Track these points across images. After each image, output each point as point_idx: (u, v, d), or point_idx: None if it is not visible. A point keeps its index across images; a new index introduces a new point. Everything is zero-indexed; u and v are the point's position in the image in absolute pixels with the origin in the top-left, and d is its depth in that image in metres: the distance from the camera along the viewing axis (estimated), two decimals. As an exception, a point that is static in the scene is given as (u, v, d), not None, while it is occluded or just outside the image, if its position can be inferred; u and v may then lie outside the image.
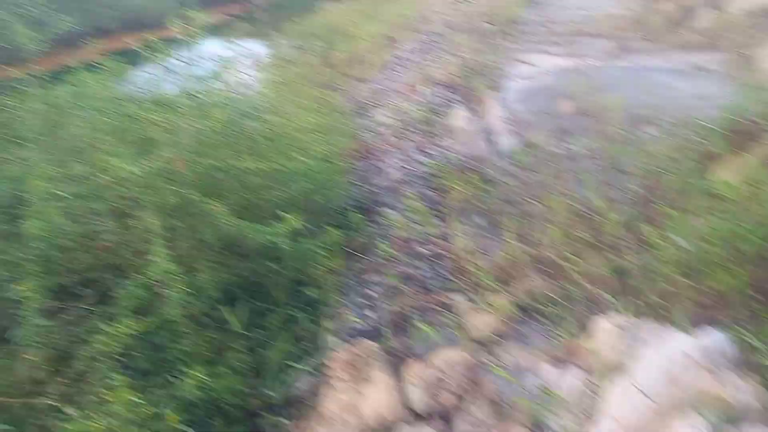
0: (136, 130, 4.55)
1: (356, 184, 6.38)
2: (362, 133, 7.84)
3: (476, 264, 4.93)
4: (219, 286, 4.30)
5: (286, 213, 4.52)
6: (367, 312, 4.52)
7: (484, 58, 10.44)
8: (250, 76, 12.46)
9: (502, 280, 4.73)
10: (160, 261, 3.77)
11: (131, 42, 17.48)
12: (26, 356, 3.19)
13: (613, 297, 4.16)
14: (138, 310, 3.91)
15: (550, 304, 4.35)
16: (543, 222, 5.24)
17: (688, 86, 8.97)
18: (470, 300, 4.65)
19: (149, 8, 19.45)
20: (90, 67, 6.26)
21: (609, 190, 5.49)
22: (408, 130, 7.31)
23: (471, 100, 8.39)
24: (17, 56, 5.55)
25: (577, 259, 4.68)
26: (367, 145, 7.32)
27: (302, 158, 4.68)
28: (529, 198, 5.81)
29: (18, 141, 4.85)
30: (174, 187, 3.99)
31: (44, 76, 5.68)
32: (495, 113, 7.41)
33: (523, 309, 4.41)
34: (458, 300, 4.66)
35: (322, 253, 4.72)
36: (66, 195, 3.70)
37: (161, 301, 3.87)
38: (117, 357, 3.51)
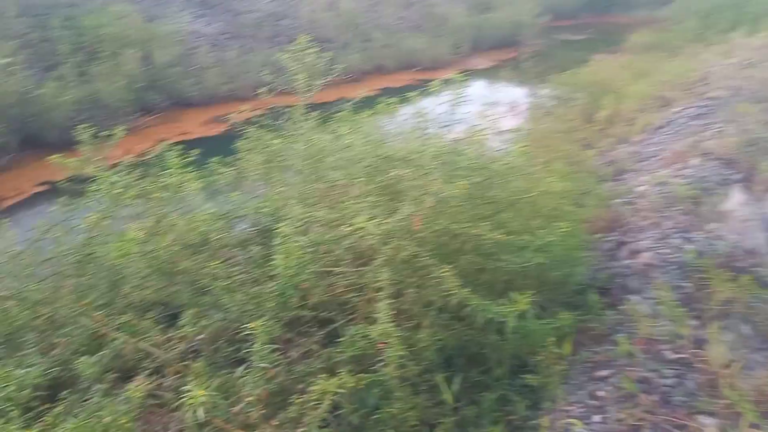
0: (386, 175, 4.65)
1: (600, 262, 5.84)
2: (614, 202, 7.22)
3: (734, 384, 4.11)
4: (438, 348, 4.16)
5: (518, 286, 4.25)
6: (593, 417, 4.00)
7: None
8: (506, 124, 12.50)
9: (765, 411, 3.87)
10: (383, 316, 3.74)
11: (404, 80, 18.68)
12: (245, 396, 3.34)
13: None
14: (357, 359, 3.93)
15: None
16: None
17: None
18: (721, 429, 3.87)
19: (424, 50, 20.68)
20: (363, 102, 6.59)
21: None
22: (669, 206, 6.52)
23: (751, 180, 7.24)
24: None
25: None
26: (618, 217, 6.70)
27: (543, 230, 4.34)
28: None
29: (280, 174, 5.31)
30: (407, 243, 3.95)
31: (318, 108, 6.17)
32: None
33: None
34: (706, 425, 3.91)
35: (551, 336, 4.33)
36: (308, 240, 3.85)
37: (380, 356, 3.84)
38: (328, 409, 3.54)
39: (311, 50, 5.27)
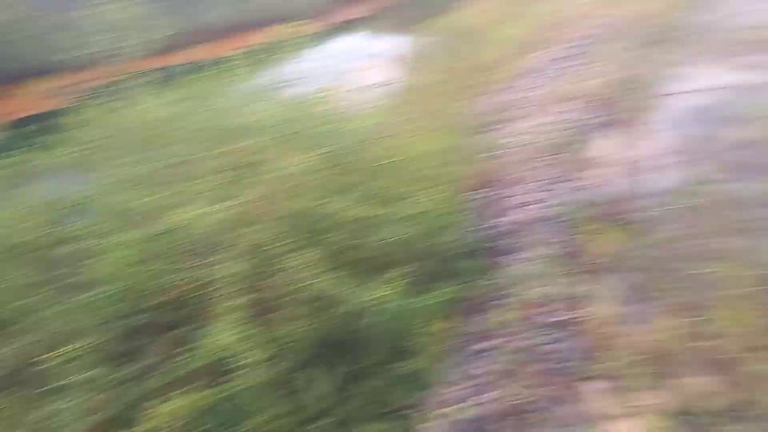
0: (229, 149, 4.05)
1: (476, 223, 5.57)
2: (486, 156, 6.97)
3: (622, 343, 3.95)
4: (304, 344, 3.69)
5: (388, 262, 3.86)
6: (472, 398, 3.72)
7: (640, 70, 9.14)
8: (374, 78, 11.98)
9: (655, 372, 3.73)
10: (232, 317, 3.21)
11: (271, 36, 17.51)
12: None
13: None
14: (210, 368, 3.41)
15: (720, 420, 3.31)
16: (712, 293, 4.14)
17: None
18: (611, 393, 3.70)
19: (295, 2, 19.46)
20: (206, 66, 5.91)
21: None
22: (542, 156, 6.35)
23: (621, 123, 7.24)
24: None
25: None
26: (490, 172, 6.46)
27: (410, 199, 3.94)
28: (694, 257, 4.70)
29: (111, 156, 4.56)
30: (254, 229, 3.41)
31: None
32: (650, 141, 6.26)
33: (683, 416, 3.41)
34: (595, 392, 3.72)
35: (427, 313, 3.99)
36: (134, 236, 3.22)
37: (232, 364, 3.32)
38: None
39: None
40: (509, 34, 11.51)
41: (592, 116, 7.23)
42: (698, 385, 3.52)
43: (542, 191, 5.59)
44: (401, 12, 21.57)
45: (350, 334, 3.91)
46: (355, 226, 3.72)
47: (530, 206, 5.43)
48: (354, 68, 12.44)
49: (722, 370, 3.58)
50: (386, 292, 3.36)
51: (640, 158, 6.11)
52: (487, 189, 6.22)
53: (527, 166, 6.17)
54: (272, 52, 5.76)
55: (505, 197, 5.74)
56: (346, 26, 18.18)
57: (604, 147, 5.96)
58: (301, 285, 3.46)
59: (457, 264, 4.86)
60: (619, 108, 7.59)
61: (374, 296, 3.32)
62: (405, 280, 3.90)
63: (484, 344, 4.16)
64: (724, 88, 8.70)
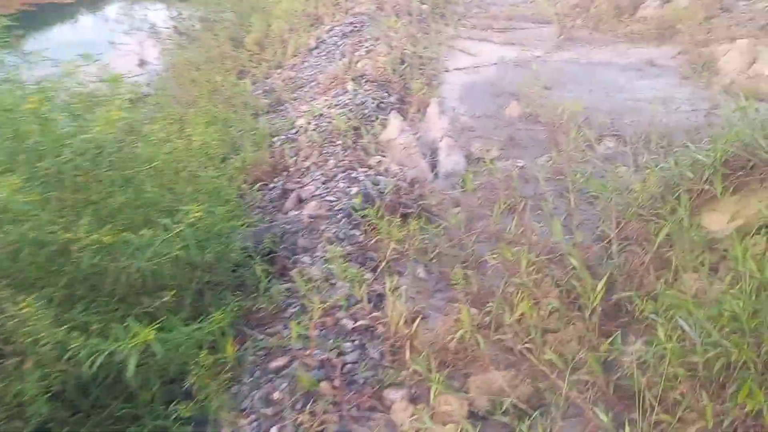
0: None
1: (266, 218, 5.04)
2: (275, 140, 6.45)
3: (424, 342, 3.72)
4: (41, 406, 2.89)
5: (155, 286, 3.21)
6: (270, 430, 3.23)
7: (420, 45, 9.17)
8: (137, 58, 10.75)
9: (452, 372, 3.56)
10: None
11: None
12: None
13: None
14: None
15: (518, 415, 3.21)
16: (500, 279, 4.08)
17: (644, 86, 8.01)
18: (411, 400, 3.45)
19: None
20: None
21: (579, 234, 4.36)
22: (330, 141, 5.97)
23: (405, 101, 7.13)
24: None
25: (550, 340, 3.57)
26: (280, 158, 5.95)
27: (180, 211, 3.28)
28: (481, 240, 4.65)
29: None
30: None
31: None
32: (434, 119, 6.18)
33: (484, 419, 3.26)
34: (396, 400, 3.45)
35: (206, 339, 3.39)
36: None
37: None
38: None
39: None
40: (288, 7, 10.96)
41: (380, 96, 7.01)
42: (500, 380, 3.39)
43: (337, 180, 5.21)
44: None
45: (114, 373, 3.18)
46: (104, 255, 2.97)
47: (325, 197, 5.01)
48: (106, 44, 11.08)
49: (521, 362, 3.51)
50: (144, 329, 2.70)
51: (428, 139, 6.01)
52: (281, 178, 5.70)
53: (320, 151, 5.74)
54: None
55: (299, 187, 5.26)
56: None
57: (394, 129, 5.75)
58: (30, 339, 2.67)
59: (246, 272, 4.32)
60: (404, 87, 7.48)
61: (122, 347, 2.65)
62: (178, 301, 3.28)
63: (282, 361, 3.69)
64: (496, 63, 9.05)
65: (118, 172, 3.19)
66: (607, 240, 4.28)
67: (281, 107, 8.36)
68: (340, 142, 5.81)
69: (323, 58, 9.19)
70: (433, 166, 5.55)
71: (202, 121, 4.91)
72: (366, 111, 6.47)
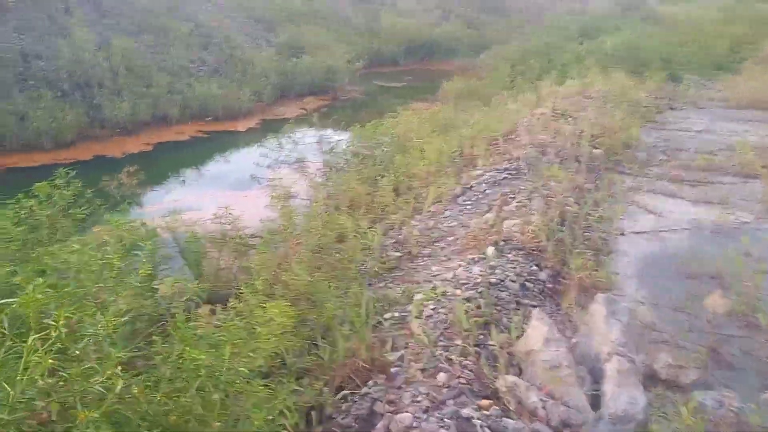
0: None
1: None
2: (382, 318, 5.02)
3: None
4: None
5: None
6: None
7: (588, 201, 7.51)
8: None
9: None
10: None
11: (189, 133, 15.65)
12: None
13: None
14: None
15: None
16: None
17: None
18: None
19: (220, 97, 17.87)
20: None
21: None
22: (448, 338, 4.38)
23: (561, 281, 5.42)
24: None
25: None
26: (377, 352, 4.46)
27: None
28: None
29: None
30: None
31: None
32: (599, 322, 4.37)
33: None
34: None
35: None
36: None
37: None
38: None
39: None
40: (439, 147, 9.90)
41: (527, 271, 5.39)
42: None
43: (443, 411, 3.57)
44: (337, 113, 20.26)
45: None
46: None
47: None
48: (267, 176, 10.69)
49: None
50: None
51: (588, 355, 4.20)
52: (373, 382, 4.21)
53: (429, 352, 4.19)
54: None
55: (391, 411, 3.68)
56: (278, 124, 16.46)
57: (538, 334, 4.03)
58: None
59: None
60: (561, 260, 5.78)
61: None
62: None
63: None
64: (689, 228, 7.10)
65: None
66: None
67: (409, 265, 7.02)
68: (459, 342, 4.21)
69: (468, 208, 7.82)
70: (595, 401, 3.73)
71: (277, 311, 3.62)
72: (503, 295, 4.84)
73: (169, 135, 15.88)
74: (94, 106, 15.57)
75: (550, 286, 5.25)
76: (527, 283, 5.11)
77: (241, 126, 17.47)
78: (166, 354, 3.04)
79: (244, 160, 13.88)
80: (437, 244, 7.24)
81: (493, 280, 4.95)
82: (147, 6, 21.06)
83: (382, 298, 5.43)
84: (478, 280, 5.04)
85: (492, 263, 5.43)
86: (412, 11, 35.32)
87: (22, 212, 4.76)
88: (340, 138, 13.09)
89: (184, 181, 13.11)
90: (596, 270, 5.60)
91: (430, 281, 6.18)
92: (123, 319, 2.87)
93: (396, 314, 5.13)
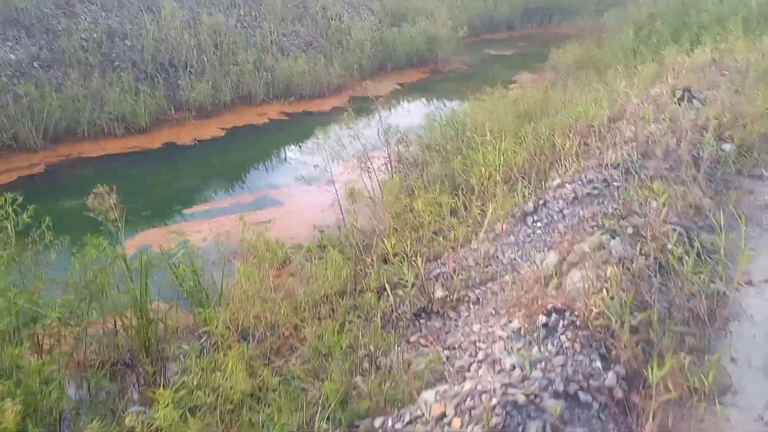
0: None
1: None
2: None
3: None
4: None
5: None
6: None
7: (703, 224, 5.50)
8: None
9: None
10: None
11: (271, 114, 14.60)
12: None
13: None
14: None
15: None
16: None
17: None
18: None
19: (309, 73, 16.73)
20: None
21: None
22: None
23: (637, 387, 3.64)
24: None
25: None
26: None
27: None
28: None
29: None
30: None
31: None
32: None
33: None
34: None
35: None
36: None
37: None
38: None
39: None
40: (524, 144, 8.06)
41: (586, 370, 3.65)
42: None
43: None
44: (434, 87, 18.44)
45: None
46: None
47: None
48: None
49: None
50: None
51: None
52: None
53: None
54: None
55: None
56: (365, 104, 15.03)
57: None
58: None
59: None
60: (643, 350, 3.94)
61: None
62: None
63: None
64: None
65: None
66: None
67: (450, 314, 5.47)
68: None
69: (537, 232, 6.06)
70: None
71: None
72: (533, 428, 3.16)
73: (248, 117, 14.95)
74: (176, 87, 15.00)
75: (620, 396, 3.49)
76: (581, 394, 3.40)
77: (327, 105, 16.23)
78: None
79: (310, 149, 12.57)
80: (487, 285, 5.60)
81: (521, 399, 3.27)
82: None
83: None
84: (513, 380, 3.39)
85: (533, 354, 3.75)
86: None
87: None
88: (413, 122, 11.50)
89: (242, 174, 12.15)
90: (696, 364, 3.74)
91: (466, 348, 4.66)
92: None
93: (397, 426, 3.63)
